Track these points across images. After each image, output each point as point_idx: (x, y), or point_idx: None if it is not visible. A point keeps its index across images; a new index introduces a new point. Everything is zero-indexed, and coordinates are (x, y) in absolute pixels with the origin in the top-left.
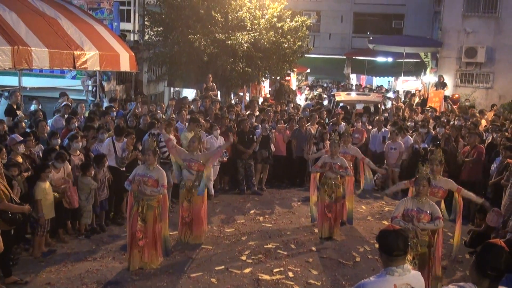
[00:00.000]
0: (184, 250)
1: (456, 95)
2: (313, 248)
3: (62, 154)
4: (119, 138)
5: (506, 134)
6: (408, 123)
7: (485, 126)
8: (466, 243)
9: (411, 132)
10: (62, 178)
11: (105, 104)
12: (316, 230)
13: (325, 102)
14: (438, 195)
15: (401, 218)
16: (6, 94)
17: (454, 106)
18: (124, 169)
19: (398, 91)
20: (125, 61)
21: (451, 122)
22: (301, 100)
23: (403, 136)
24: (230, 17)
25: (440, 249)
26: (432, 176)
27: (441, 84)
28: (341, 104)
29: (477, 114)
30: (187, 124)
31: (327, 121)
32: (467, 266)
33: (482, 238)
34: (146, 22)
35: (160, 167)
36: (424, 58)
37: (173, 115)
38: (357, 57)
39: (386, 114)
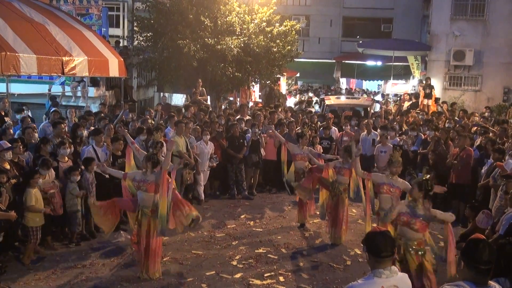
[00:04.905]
0: (174, 256)
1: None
2: (304, 252)
3: (47, 161)
4: (99, 142)
5: (491, 135)
6: (393, 125)
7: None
8: (456, 245)
9: (397, 135)
10: (52, 181)
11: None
12: (306, 235)
13: (316, 107)
14: (395, 194)
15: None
16: None
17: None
18: (107, 176)
19: (388, 95)
20: (114, 67)
21: (440, 125)
22: (291, 103)
23: (392, 138)
24: (219, 22)
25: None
26: (390, 176)
27: (428, 87)
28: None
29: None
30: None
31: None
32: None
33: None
34: (135, 28)
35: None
36: (415, 61)
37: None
38: (346, 61)
39: (374, 118)
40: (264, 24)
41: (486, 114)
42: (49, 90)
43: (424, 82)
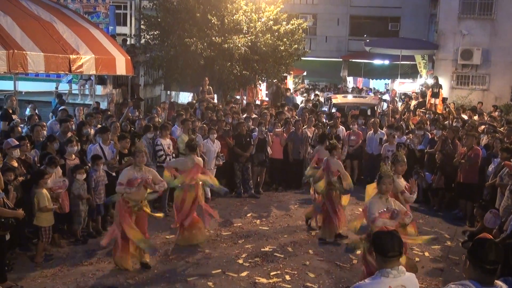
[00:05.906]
0: (181, 254)
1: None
2: (310, 251)
3: (54, 159)
4: (105, 140)
5: (497, 135)
6: (400, 124)
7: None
8: (463, 244)
9: (404, 134)
10: (62, 180)
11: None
12: (313, 233)
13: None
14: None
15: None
16: None
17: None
18: (114, 174)
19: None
20: (121, 65)
21: (447, 123)
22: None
23: (399, 137)
24: (226, 20)
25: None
26: (395, 176)
27: (436, 85)
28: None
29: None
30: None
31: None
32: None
33: None
34: (142, 26)
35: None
36: (422, 60)
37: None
38: (353, 60)
39: (381, 117)
40: (271, 22)
41: (496, 113)
42: (56, 88)
43: (428, 83)
